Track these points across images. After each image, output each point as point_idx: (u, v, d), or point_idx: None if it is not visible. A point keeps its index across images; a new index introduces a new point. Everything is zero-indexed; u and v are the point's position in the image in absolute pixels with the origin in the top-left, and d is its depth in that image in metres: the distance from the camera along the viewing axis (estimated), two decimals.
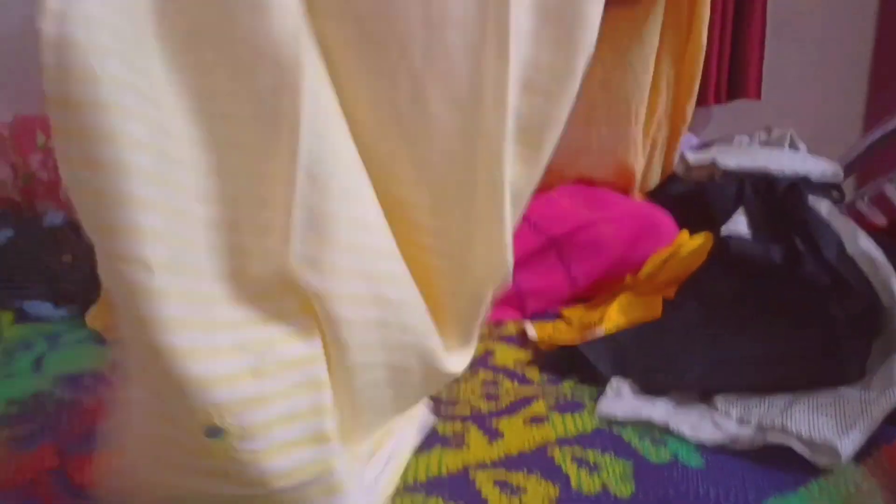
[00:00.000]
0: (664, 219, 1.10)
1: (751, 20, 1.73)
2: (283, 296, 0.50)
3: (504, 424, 0.73)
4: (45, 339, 0.96)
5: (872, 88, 1.93)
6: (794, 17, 1.86)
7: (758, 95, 1.78)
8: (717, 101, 1.78)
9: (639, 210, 1.10)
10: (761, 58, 1.77)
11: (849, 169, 1.41)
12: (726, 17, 1.73)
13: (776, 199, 1.04)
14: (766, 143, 1.31)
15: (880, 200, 1.36)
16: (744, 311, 0.79)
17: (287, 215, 0.48)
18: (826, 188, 1.18)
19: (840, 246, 0.92)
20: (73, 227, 1.37)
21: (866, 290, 0.82)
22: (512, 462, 0.67)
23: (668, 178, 1.25)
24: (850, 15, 1.88)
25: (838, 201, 1.19)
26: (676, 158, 1.21)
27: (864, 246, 0.94)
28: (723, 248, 0.96)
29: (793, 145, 1.28)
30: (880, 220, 1.32)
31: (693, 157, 1.24)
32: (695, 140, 1.54)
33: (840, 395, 0.75)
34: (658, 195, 1.20)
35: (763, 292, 0.85)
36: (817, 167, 1.19)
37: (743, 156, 1.17)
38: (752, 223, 1.01)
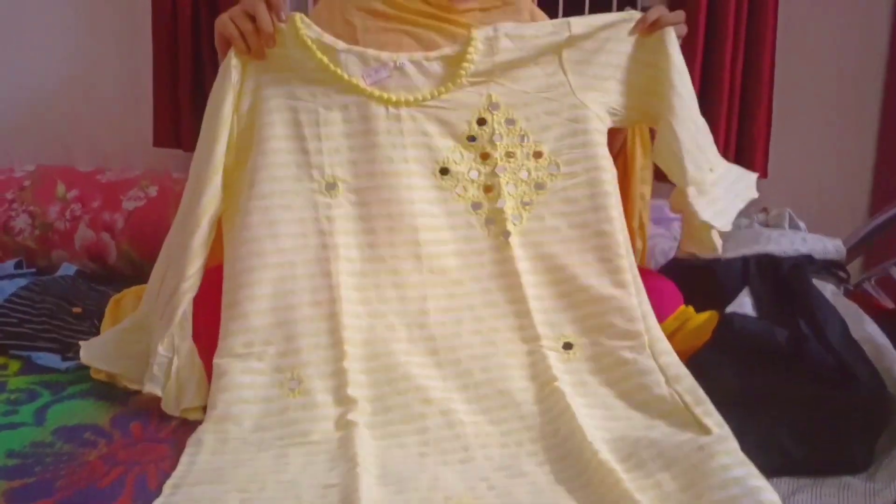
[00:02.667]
0: (668, 286, 1.10)
1: (758, 101, 1.77)
2: None
3: None
4: (49, 391, 0.97)
5: (878, 168, 1.95)
6: (801, 98, 1.90)
7: (764, 174, 1.80)
8: None
9: (643, 276, 1.11)
10: (768, 137, 1.80)
11: (855, 250, 1.42)
12: (733, 96, 1.77)
13: (781, 279, 1.05)
14: (766, 224, 1.32)
15: (886, 284, 1.36)
16: (748, 396, 0.79)
17: None
18: (830, 267, 1.19)
19: (845, 330, 0.92)
20: (85, 279, 1.39)
21: (871, 378, 0.82)
22: None
23: (673, 259, 1.26)
24: (857, 95, 1.92)
25: (844, 281, 1.20)
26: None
27: (869, 331, 0.94)
28: (728, 326, 0.96)
29: (792, 224, 1.29)
30: (887, 302, 1.32)
31: None
32: None
33: (844, 484, 0.74)
34: (664, 272, 1.21)
35: (767, 378, 0.85)
36: (818, 245, 1.21)
37: (742, 246, 1.19)
38: (758, 304, 1.02)
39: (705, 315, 1.05)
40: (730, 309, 1.03)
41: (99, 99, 1.94)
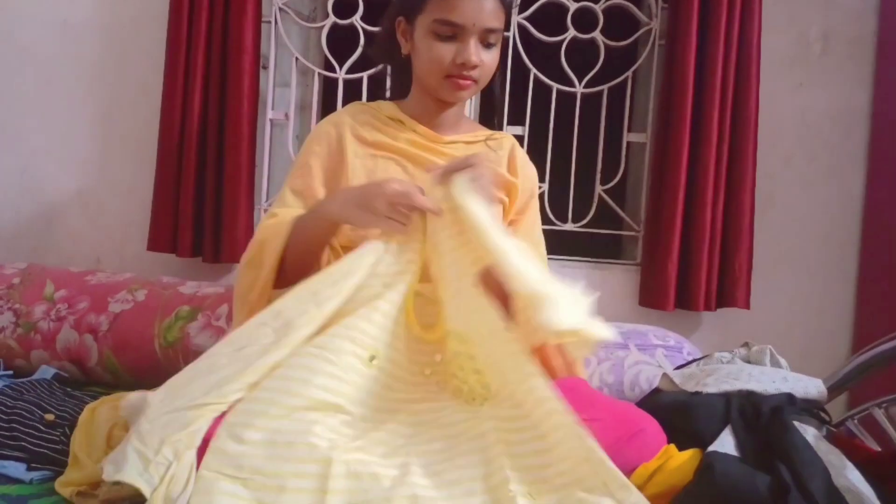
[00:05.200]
0: (652, 425, 1.09)
1: (739, 232, 1.83)
2: None
3: None
4: None
5: (859, 303, 1.99)
6: (782, 232, 1.96)
7: (746, 305, 1.84)
8: (707, 308, 1.83)
9: (627, 414, 1.10)
10: (749, 270, 1.84)
11: (836, 388, 1.42)
12: (715, 226, 1.82)
13: (762, 422, 1.05)
14: (747, 360, 1.33)
15: (869, 424, 1.36)
16: None
17: None
18: (811, 408, 1.19)
19: (827, 478, 0.91)
20: (61, 384, 1.37)
21: None
22: None
23: (655, 389, 1.26)
24: (836, 233, 1.98)
25: (826, 423, 1.19)
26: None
27: (851, 479, 0.93)
28: (709, 470, 0.95)
29: (773, 361, 1.30)
30: (871, 444, 1.31)
31: (678, 379, 1.26)
32: (685, 346, 1.57)
33: None
34: (646, 404, 1.21)
35: None
36: (799, 385, 1.21)
37: (723, 382, 1.19)
38: (739, 445, 1.01)
39: (688, 453, 1.04)
40: (713, 447, 1.02)
41: (104, 202, 2.00)
